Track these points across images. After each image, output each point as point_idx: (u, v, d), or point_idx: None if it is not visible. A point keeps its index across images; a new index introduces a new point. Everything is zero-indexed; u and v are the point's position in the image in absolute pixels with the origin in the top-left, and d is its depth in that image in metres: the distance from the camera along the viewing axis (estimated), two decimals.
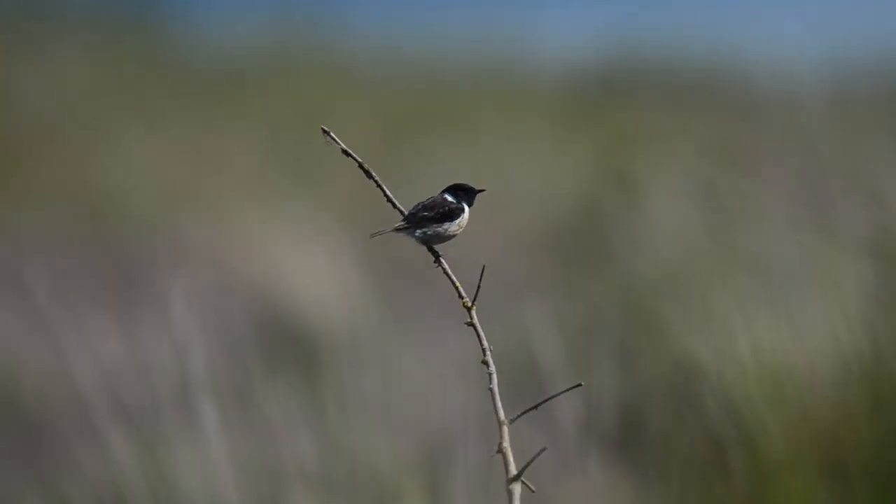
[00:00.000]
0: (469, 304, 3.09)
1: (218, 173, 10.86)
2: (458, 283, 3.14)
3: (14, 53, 12.28)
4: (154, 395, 5.55)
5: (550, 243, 9.47)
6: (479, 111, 12.49)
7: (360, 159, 3.26)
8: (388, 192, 3.31)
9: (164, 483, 5.47)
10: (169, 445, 5.48)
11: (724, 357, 6.08)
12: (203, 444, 5.43)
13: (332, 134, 3.24)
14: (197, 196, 10.47)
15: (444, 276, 3.27)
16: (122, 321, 7.74)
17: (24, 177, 10.66)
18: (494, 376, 2.87)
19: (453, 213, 3.37)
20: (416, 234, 3.35)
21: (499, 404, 2.83)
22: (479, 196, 3.43)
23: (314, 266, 8.85)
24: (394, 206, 3.35)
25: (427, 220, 3.35)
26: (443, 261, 3.31)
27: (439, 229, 3.35)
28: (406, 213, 3.36)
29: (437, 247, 3.35)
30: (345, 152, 3.25)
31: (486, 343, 2.98)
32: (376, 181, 3.27)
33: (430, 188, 3.57)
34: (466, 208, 3.39)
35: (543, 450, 2.74)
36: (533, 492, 2.78)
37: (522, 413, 2.84)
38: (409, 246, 3.37)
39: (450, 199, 3.40)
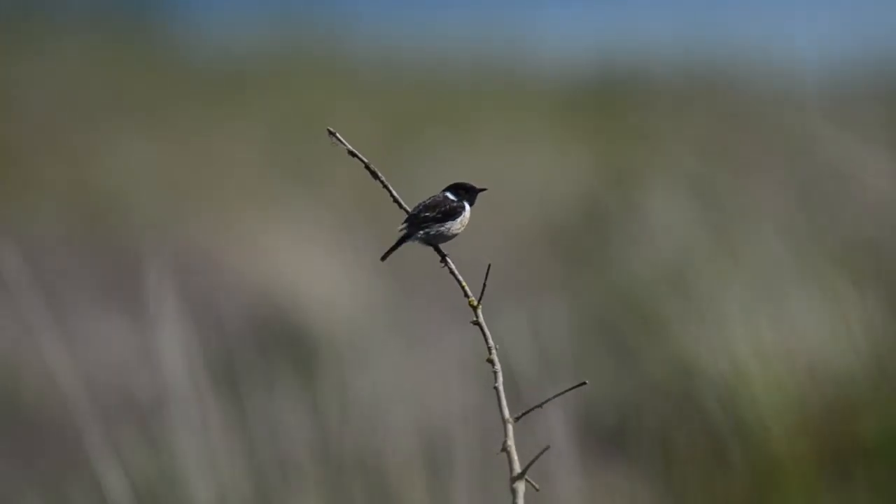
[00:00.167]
0: (475, 303, 3.09)
1: (218, 173, 10.86)
2: (463, 283, 3.14)
3: (14, 53, 12.28)
4: (154, 395, 5.56)
5: (550, 243, 9.47)
6: (480, 111, 12.49)
7: (366, 160, 3.26)
8: (394, 193, 3.31)
9: (163, 482, 5.47)
10: (169, 444, 5.48)
11: (724, 357, 6.09)
12: (203, 443, 5.43)
13: (338, 135, 3.24)
14: (197, 196, 10.47)
15: (446, 274, 3.27)
16: (123, 321, 7.75)
17: (24, 176, 10.66)
18: (500, 375, 2.87)
19: (455, 212, 3.37)
20: (419, 235, 3.35)
21: (504, 402, 2.83)
22: (479, 196, 3.43)
23: (314, 265, 8.85)
24: (400, 206, 3.35)
25: (429, 220, 3.35)
26: (449, 260, 3.31)
27: (442, 228, 3.34)
28: (409, 212, 3.36)
29: (439, 245, 3.35)
30: (351, 153, 3.25)
31: (491, 342, 2.98)
32: (382, 182, 3.27)
33: (430, 188, 3.57)
34: (468, 206, 3.40)
35: (547, 448, 2.75)
36: (537, 490, 2.78)
37: (527, 412, 2.84)
38: (409, 245, 3.37)
39: (451, 197, 3.40)
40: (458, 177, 3.64)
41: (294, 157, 10.91)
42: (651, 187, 8.76)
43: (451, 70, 13.51)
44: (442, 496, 5.41)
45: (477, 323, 3.05)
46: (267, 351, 7.42)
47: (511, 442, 2.79)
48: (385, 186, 3.29)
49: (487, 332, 3.02)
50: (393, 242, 3.37)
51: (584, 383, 2.89)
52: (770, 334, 6.13)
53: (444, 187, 3.43)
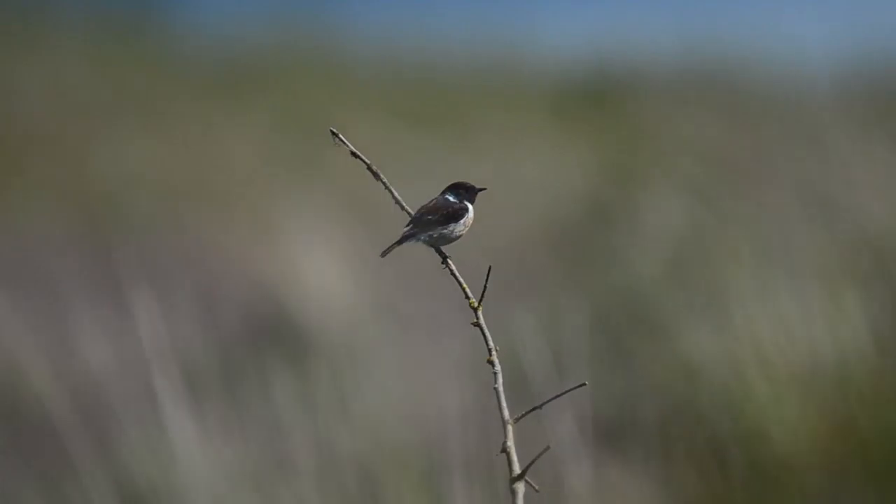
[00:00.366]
0: (476, 304, 3.09)
1: (218, 171, 10.86)
2: (464, 284, 3.14)
3: (14, 53, 12.27)
4: (152, 393, 5.55)
5: (550, 243, 9.46)
6: (479, 111, 12.48)
7: (368, 161, 3.26)
8: (395, 194, 3.31)
9: (161, 482, 5.47)
10: (167, 444, 5.48)
11: (724, 357, 6.09)
12: (200, 442, 5.43)
13: (340, 136, 3.23)
14: (197, 194, 10.47)
15: (447, 273, 3.27)
16: (122, 320, 7.74)
17: (23, 176, 10.66)
18: (500, 376, 2.87)
19: (457, 214, 3.37)
20: (423, 239, 3.34)
21: (503, 403, 2.83)
22: (479, 195, 3.42)
23: (314, 262, 8.85)
24: (402, 207, 3.35)
25: (432, 224, 3.35)
26: (450, 262, 3.31)
27: (445, 231, 3.34)
28: (412, 215, 3.36)
29: (443, 247, 3.35)
30: (353, 154, 3.24)
31: (491, 343, 2.98)
32: (384, 183, 3.27)
33: (430, 188, 3.57)
34: (470, 207, 3.39)
35: (547, 449, 2.75)
36: (537, 491, 2.78)
37: (527, 412, 2.84)
38: (411, 244, 3.37)
39: (451, 199, 3.39)
40: (457, 176, 3.64)
41: (294, 156, 10.91)
42: (651, 186, 8.76)
43: (450, 69, 13.51)
44: (441, 496, 5.41)
45: (477, 324, 3.05)
46: (266, 349, 7.42)
47: (511, 443, 2.79)
48: (387, 188, 3.29)
49: (487, 334, 3.02)
50: (394, 240, 3.36)
51: (584, 384, 2.89)
52: (770, 334, 6.12)
53: (444, 188, 3.43)
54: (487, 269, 3.05)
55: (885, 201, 6.63)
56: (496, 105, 12.68)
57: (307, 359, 7.05)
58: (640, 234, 8.20)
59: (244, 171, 10.87)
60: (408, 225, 3.36)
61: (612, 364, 6.80)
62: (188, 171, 10.86)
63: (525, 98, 13.04)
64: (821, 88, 11.20)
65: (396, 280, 8.63)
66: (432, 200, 3.39)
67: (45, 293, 8.47)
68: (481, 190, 3.42)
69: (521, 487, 2.73)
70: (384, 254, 3.37)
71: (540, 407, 2.86)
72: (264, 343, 7.70)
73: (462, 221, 3.35)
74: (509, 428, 2.80)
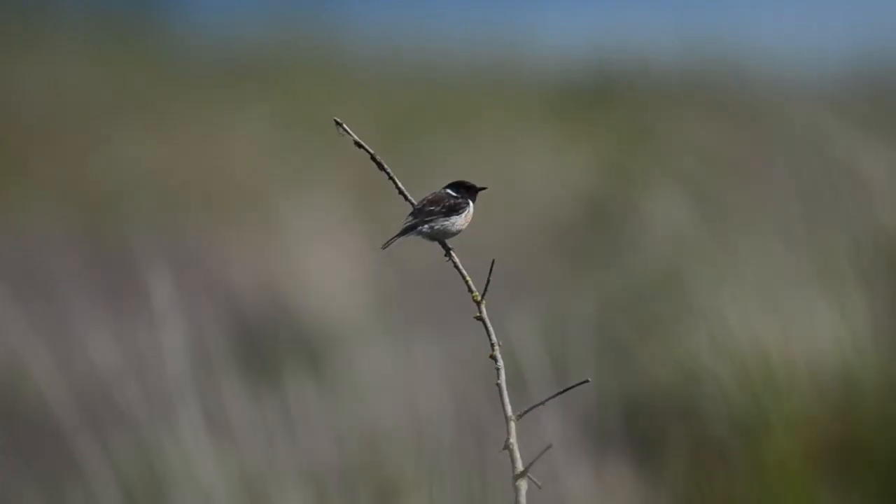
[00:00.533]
0: (479, 298, 3.08)
1: (218, 171, 10.86)
2: (468, 277, 3.13)
3: (14, 53, 12.27)
4: (152, 393, 5.55)
5: (550, 243, 9.47)
6: (480, 110, 12.49)
7: (372, 151, 3.25)
8: (399, 184, 3.30)
9: (161, 482, 5.47)
10: (169, 444, 5.47)
11: (724, 356, 6.08)
12: (200, 442, 5.42)
13: (344, 126, 3.23)
14: (198, 194, 10.47)
15: (448, 270, 3.26)
16: (123, 320, 7.74)
17: (23, 176, 10.66)
18: (502, 371, 2.87)
19: (459, 207, 3.35)
20: (424, 229, 3.33)
21: (506, 400, 2.82)
22: (480, 195, 3.41)
23: (315, 260, 8.85)
24: (405, 198, 3.34)
25: (434, 214, 3.34)
26: (453, 254, 3.30)
27: (446, 223, 3.33)
28: (414, 205, 3.35)
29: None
30: (357, 144, 3.24)
31: (494, 338, 2.97)
32: (388, 173, 3.26)
33: (430, 187, 3.56)
34: (471, 203, 3.38)
35: (549, 446, 2.74)
36: (539, 488, 2.78)
37: (529, 409, 2.83)
38: (412, 240, 3.36)
39: (453, 193, 3.39)
40: (458, 176, 3.63)
41: (294, 155, 10.91)
42: (651, 186, 8.76)
43: (450, 69, 13.51)
44: (441, 493, 5.40)
45: (480, 318, 3.04)
46: (268, 346, 7.42)
47: (513, 440, 2.78)
48: (391, 178, 3.28)
49: (491, 328, 3.01)
50: (395, 233, 3.35)
51: (587, 381, 2.89)
52: (770, 334, 6.12)
53: (444, 185, 3.42)
54: (490, 263, 3.04)
55: (885, 200, 6.63)
56: (496, 105, 12.68)
57: (308, 355, 7.04)
58: (641, 233, 8.19)
59: (244, 171, 10.87)
60: (409, 216, 3.35)
61: (612, 363, 6.80)
62: (188, 170, 10.86)
63: (525, 98, 13.05)
64: (821, 88, 11.21)
65: (398, 277, 8.63)
66: (433, 193, 3.38)
67: (45, 293, 8.47)
68: (482, 189, 3.40)
69: (523, 484, 2.73)
70: (385, 246, 3.35)
71: (543, 403, 2.85)
72: (267, 340, 7.69)
73: (463, 215, 3.33)
74: (512, 424, 2.79)
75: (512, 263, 8.92)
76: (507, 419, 2.79)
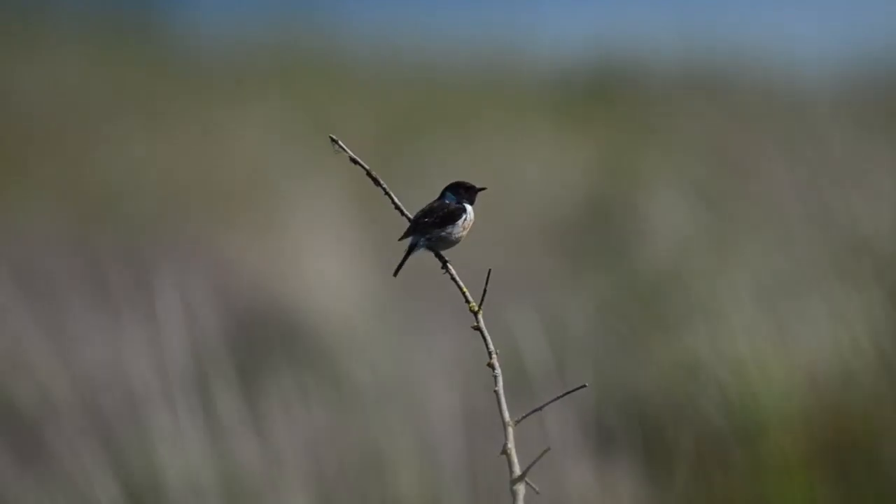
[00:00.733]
0: (476, 308, 3.08)
1: (218, 171, 10.86)
2: (464, 289, 3.13)
3: (14, 53, 12.27)
4: (151, 393, 5.55)
5: (552, 242, 9.46)
6: (480, 110, 12.48)
7: (367, 167, 3.24)
8: (395, 200, 3.29)
9: (160, 482, 5.47)
10: (168, 444, 5.48)
11: (725, 356, 6.09)
12: (199, 442, 5.43)
13: (340, 143, 3.22)
14: (198, 194, 10.47)
15: (446, 275, 3.26)
16: (123, 320, 7.73)
17: (23, 176, 10.66)
18: (500, 379, 2.88)
19: (454, 215, 3.33)
20: (422, 243, 3.31)
21: (504, 406, 2.83)
22: (480, 195, 3.40)
23: (314, 262, 8.85)
24: (401, 213, 3.32)
25: (429, 226, 3.32)
26: (450, 266, 3.29)
27: (443, 234, 3.31)
28: (410, 220, 3.33)
29: (443, 250, 3.32)
30: (353, 160, 3.23)
31: (492, 346, 2.98)
32: (384, 189, 3.25)
33: (430, 188, 3.56)
34: (469, 208, 3.36)
35: (547, 450, 2.75)
36: (537, 492, 2.78)
37: (527, 414, 2.85)
38: (418, 255, 3.35)
39: (448, 201, 3.37)
40: (458, 176, 3.62)
41: (294, 155, 10.91)
42: (652, 185, 8.76)
43: (450, 69, 13.50)
44: (440, 496, 5.41)
45: (478, 328, 3.05)
46: (268, 348, 7.42)
47: (511, 444, 2.79)
48: (387, 193, 3.27)
49: (488, 337, 3.02)
50: (401, 251, 3.34)
51: (584, 386, 2.89)
52: (771, 334, 6.12)
53: (443, 187, 3.41)
54: (487, 272, 3.04)
55: (885, 201, 6.63)
56: (497, 104, 12.68)
57: (307, 358, 7.05)
58: (641, 232, 8.20)
59: (244, 171, 10.87)
60: (406, 232, 3.33)
61: (613, 363, 6.80)
62: (188, 170, 10.86)
63: (525, 97, 13.04)
64: (822, 87, 11.20)
65: (398, 279, 8.61)
66: (428, 204, 3.36)
67: (45, 292, 8.47)
68: (481, 189, 3.39)
69: (521, 489, 2.74)
70: (396, 272, 3.35)
71: (540, 409, 2.86)
72: (266, 342, 7.69)
73: (460, 223, 3.31)
74: (510, 430, 2.80)
75: (512, 263, 8.92)
76: (504, 425, 2.81)
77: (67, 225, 9.93)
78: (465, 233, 3.34)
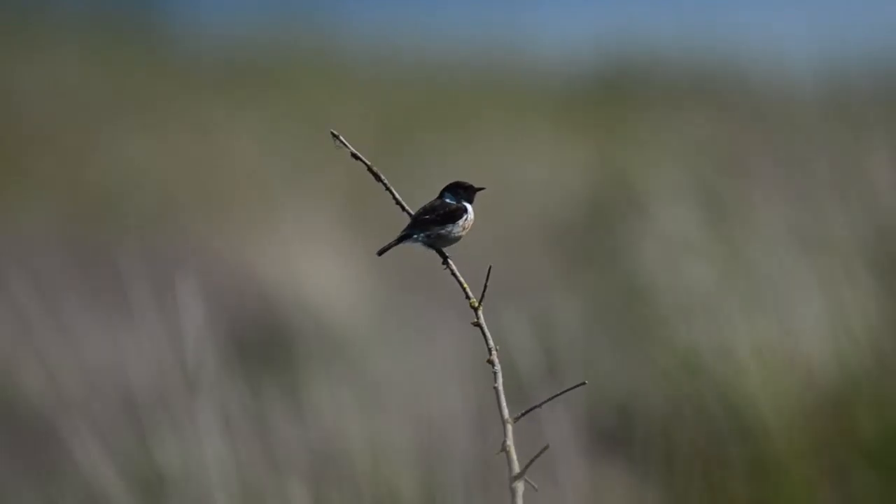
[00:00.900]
0: (476, 304, 3.08)
1: (218, 171, 10.86)
2: (465, 284, 3.13)
3: (14, 53, 12.28)
4: (150, 394, 5.55)
5: (552, 242, 9.47)
6: (480, 110, 12.49)
7: (369, 163, 3.24)
8: (396, 195, 3.29)
9: (158, 482, 5.47)
10: (168, 444, 5.48)
11: (724, 356, 6.09)
12: (201, 441, 5.43)
13: (341, 138, 3.22)
14: (197, 194, 10.48)
15: (445, 272, 3.26)
16: (122, 320, 7.74)
17: (23, 176, 10.66)
18: (499, 375, 2.87)
19: (455, 214, 3.33)
20: (421, 239, 3.32)
21: (503, 403, 2.83)
22: (479, 195, 3.40)
23: (312, 261, 8.85)
24: (402, 208, 3.33)
25: (429, 223, 3.32)
26: (451, 262, 3.29)
27: (442, 231, 3.32)
28: (412, 215, 3.34)
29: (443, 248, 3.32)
30: (354, 156, 3.23)
31: (492, 343, 2.97)
32: (385, 185, 3.25)
33: (430, 187, 3.55)
34: (469, 207, 3.36)
35: (546, 448, 2.75)
36: (536, 490, 2.78)
37: (527, 411, 2.84)
38: (408, 245, 3.35)
39: (449, 200, 3.37)
40: (458, 176, 3.62)
41: (294, 155, 10.92)
42: (652, 185, 8.75)
43: (450, 69, 13.51)
44: (440, 496, 5.41)
45: (478, 324, 3.04)
46: (265, 348, 7.43)
47: (510, 442, 2.79)
48: (388, 189, 3.27)
49: (488, 334, 3.02)
50: (391, 240, 3.34)
51: (584, 383, 2.89)
52: (770, 333, 6.12)
53: (442, 188, 3.41)
54: (488, 269, 3.04)
55: (886, 200, 6.63)
56: (497, 104, 12.68)
57: (306, 358, 7.04)
58: (642, 232, 8.19)
59: (244, 171, 10.88)
60: (407, 227, 3.33)
61: (611, 363, 6.80)
62: (188, 170, 10.87)
63: (527, 97, 13.05)
64: (824, 87, 11.20)
65: (395, 278, 8.63)
66: (429, 202, 3.37)
67: (45, 292, 8.47)
68: (480, 189, 3.39)
69: (520, 486, 2.73)
70: (381, 252, 3.34)
71: (540, 406, 2.86)
72: (263, 342, 7.70)
73: (460, 223, 3.32)
74: (509, 427, 2.80)
75: (510, 263, 8.92)
76: (503, 422, 2.80)
77: (67, 224, 9.93)
78: (464, 232, 3.34)
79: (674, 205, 8.01)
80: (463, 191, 3.38)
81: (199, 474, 5.37)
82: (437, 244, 3.33)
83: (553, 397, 2.91)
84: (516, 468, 2.76)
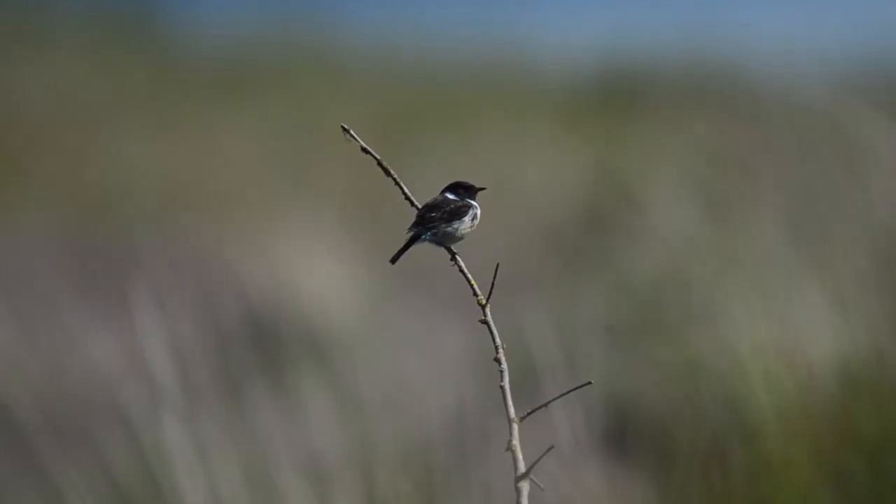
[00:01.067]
0: (483, 301, 3.08)
1: (217, 172, 10.86)
2: (473, 281, 3.13)
3: (14, 53, 12.28)
4: (148, 394, 5.56)
5: (552, 243, 9.47)
6: (480, 111, 12.48)
7: (378, 157, 3.25)
8: (405, 189, 3.29)
9: (155, 483, 5.47)
10: (167, 444, 5.48)
11: (724, 356, 6.09)
12: (195, 443, 5.43)
13: (352, 132, 3.23)
14: (197, 194, 10.48)
15: (446, 272, 3.26)
16: (122, 321, 7.74)
17: (23, 176, 10.66)
18: (506, 374, 2.87)
19: (460, 211, 3.33)
20: (427, 237, 3.31)
21: (509, 402, 2.82)
22: (480, 195, 3.39)
23: (313, 262, 8.85)
24: (411, 203, 3.33)
25: (434, 221, 3.31)
26: (459, 258, 3.28)
27: (448, 229, 3.31)
28: (419, 209, 3.33)
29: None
30: (364, 150, 3.24)
31: (499, 341, 2.97)
32: (394, 179, 3.26)
33: (430, 187, 3.55)
34: (476, 205, 3.36)
35: (551, 448, 2.75)
36: (542, 489, 2.78)
37: (533, 411, 2.84)
38: (417, 245, 3.35)
39: (453, 197, 3.36)
40: (458, 175, 3.62)
41: (293, 156, 10.91)
42: (652, 186, 8.76)
43: (450, 69, 13.51)
44: (440, 496, 5.41)
45: (485, 322, 3.04)
46: (264, 349, 7.42)
47: (516, 441, 2.79)
48: (397, 183, 3.27)
49: (495, 331, 3.01)
50: (401, 244, 3.33)
51: (590, 383, 2.89)
52: (771, 333, 6.12)
53: (443, 188, 3.40)
54: (495, 266, 3.04)
55: (886, 199, 6.64)
56: (497, 104, 12.68)
57: (306, 358, 7.04)
58: (642, 233, 8.20)
59: (243, 171, 10.88)
60: (412, 225, 3.32)
61: (612, 364, 6.80)
62: (188, 171, 10.87)
63: (527, 97, 13.05)
64: (824, 87, 11.20)
65: (395, 278, 8.63)
66: (433, 199, 3.36)
67: (44, 293, 8.47)
68: (481, 189, 3.38)
69: (525, 486, 2.73)
70: (394, 260, 3.33)
71: (545, 405, 2.85)
72: (262, 341, 7.69)
73: (466, 220, 3.31)
74: (515, 426, 2.79)
75: (512, 264, 8.92)
76: (509, 421, 2.80)
77: (67, 224, 9.93)
78: (470, 230, 3.33)
79: (674, 205, 8.01)
80: (464, 191, 3.38)
81: (191, 476, 5.37)
82: (444, 241, 3.32)
83: (559, 396, 2.91)
84: (522, 467, 2.75)
